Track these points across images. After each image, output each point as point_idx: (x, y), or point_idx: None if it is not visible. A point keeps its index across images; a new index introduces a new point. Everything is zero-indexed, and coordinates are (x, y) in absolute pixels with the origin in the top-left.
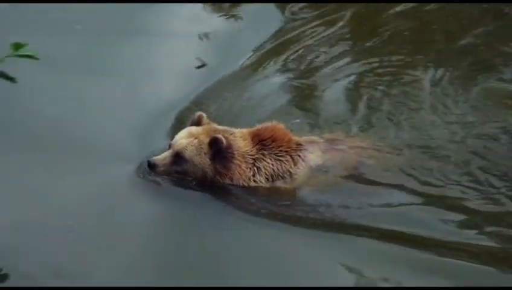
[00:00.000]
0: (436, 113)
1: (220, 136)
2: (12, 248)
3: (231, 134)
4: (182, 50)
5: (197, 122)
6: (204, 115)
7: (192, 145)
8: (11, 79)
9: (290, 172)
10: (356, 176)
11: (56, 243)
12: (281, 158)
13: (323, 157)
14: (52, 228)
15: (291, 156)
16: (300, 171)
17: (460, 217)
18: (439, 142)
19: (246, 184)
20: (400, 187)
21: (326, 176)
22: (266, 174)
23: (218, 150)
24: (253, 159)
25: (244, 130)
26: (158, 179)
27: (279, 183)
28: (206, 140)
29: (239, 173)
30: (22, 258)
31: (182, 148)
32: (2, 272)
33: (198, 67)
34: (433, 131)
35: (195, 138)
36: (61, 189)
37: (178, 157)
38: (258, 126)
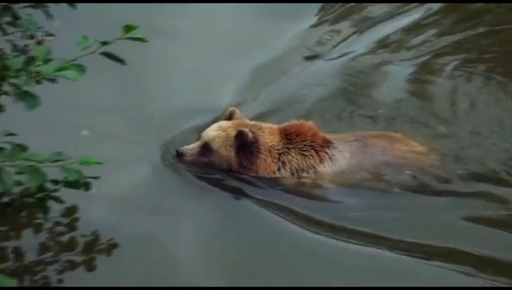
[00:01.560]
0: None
1: (246, 129)
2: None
3: (259, 129)
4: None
5: (229, 117)
6: (236, 110)
7: (220, 138)
8: (121, 60)
9: (314, 168)
10: (385, 182)
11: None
12: (305, 153)
13: (352, 157)
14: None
15: (316, 151)
16: (325, 168)
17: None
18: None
19: (270, 177)
20: (434, 202)
21: (351, 178)
22: (291, 168)
23: (243, 143)
24: (279, 153)
25: (274, 126)
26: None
27: (303, 179)
28: (234, 133)
29: (264, 167)
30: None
31: (210, 139)
32: (113, 241)
33: (308, 58)
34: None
35: (224, 131)
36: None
37: (205, 148)
38: (287, 122)
